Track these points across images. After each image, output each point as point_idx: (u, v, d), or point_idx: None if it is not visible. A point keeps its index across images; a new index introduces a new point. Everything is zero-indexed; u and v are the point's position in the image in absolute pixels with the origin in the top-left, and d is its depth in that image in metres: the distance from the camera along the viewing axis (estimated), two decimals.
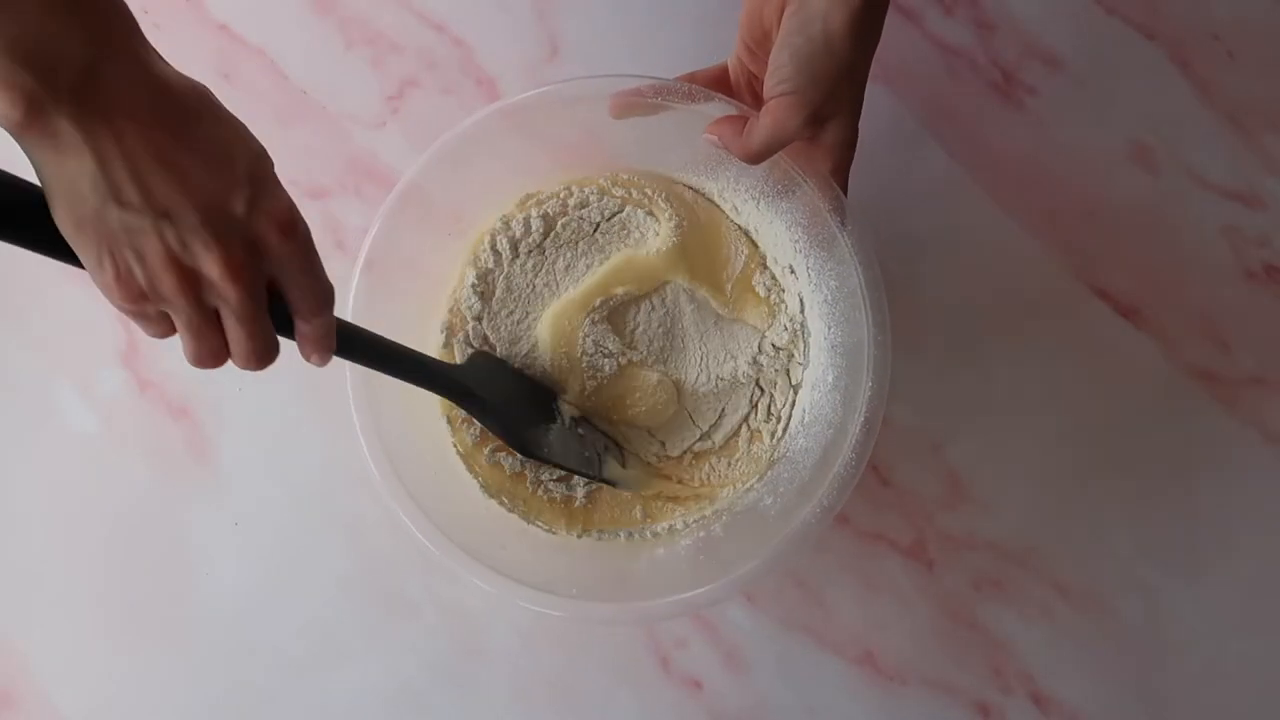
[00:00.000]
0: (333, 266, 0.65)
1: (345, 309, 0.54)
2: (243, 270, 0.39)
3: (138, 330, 0.65)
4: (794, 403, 0.61)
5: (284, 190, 0.41)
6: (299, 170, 0.66)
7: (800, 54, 0.47)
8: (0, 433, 0.64)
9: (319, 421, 0.64)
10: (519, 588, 0.52)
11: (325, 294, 0.44)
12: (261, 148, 0.40)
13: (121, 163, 0.35)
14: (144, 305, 0.40)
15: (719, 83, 0.55)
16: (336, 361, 0.54)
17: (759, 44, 0.51)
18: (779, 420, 0.61)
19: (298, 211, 0.41)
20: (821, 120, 0.49)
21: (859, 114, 0.50)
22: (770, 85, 0.48)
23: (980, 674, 0.62)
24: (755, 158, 0.51)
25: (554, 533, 0.59)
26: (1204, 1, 0.67)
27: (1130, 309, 0.65)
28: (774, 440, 0.61)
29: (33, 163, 0.35)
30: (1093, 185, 0.66)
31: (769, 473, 0.59)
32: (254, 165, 0.39)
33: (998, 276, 0.65)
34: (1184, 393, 0.64)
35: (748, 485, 0.60)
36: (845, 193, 0.53)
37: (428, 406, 0.60)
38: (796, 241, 0.59)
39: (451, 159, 0.55)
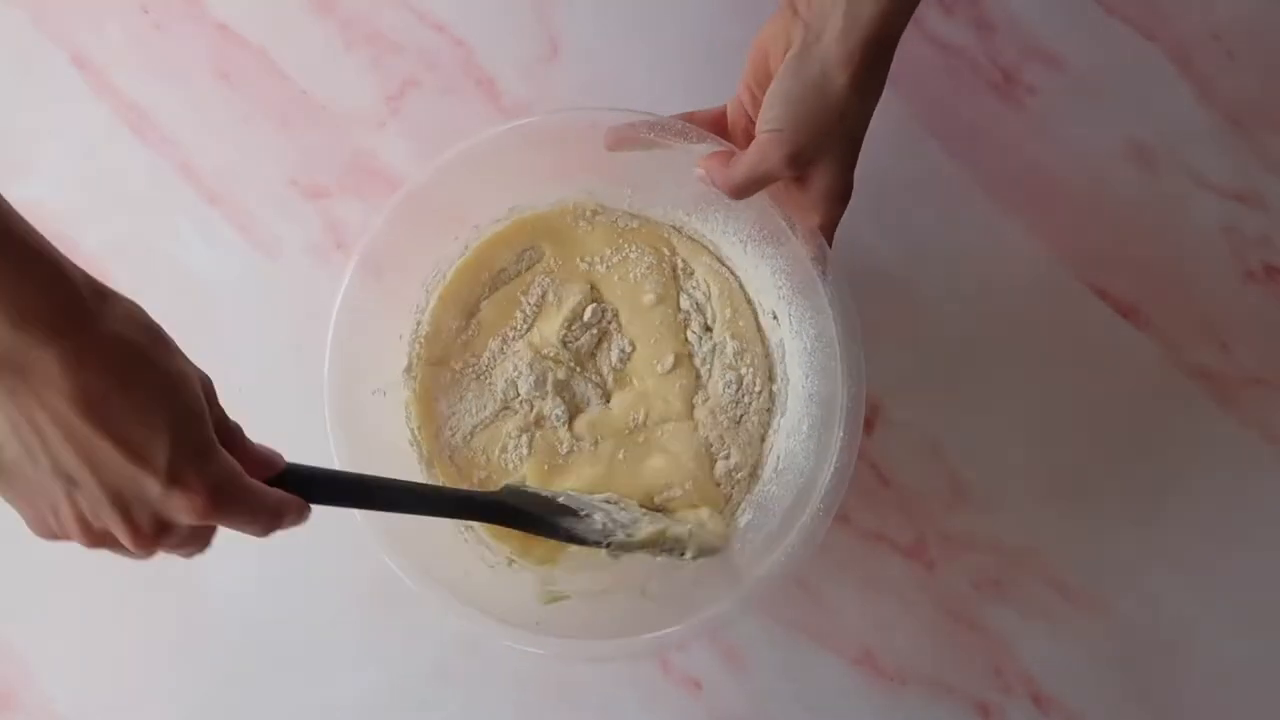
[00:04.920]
0: (332, 267, 0.66)
1: (333, 307, 0.54)
2: (154, 542, 0.40)
3: None
4: (769, 450, 0.61)
5: (215, 461, 0.39)
6: (299, 170, 0.66)
7: (791, 95, 0.47)
8: None
9: (319, 422, 0.64)
10: (491, 623, 0.52)
11: (265, 521, 0.44)
12: (194, 415, 0.39)
13: (33, 431, 0.35)
14: (62, 539, 0.41)
15: (716, 124, 0.55)
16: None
17: (761, 86, 0.51)
18: (751, 468, 0.60)
19: (227, 478, 0.40)
20: (806, 162, 0.49)
21: (852, 166, 0.50)
22: (760, 122, 0.49)
23: (980, 674, 0.62)
24: (737, 191, 0.51)
25: (513, 561, 0.59)
26: (1204, 1, 0.67)
27: (1130, 309, 0.65)
28: (746, 487, 0.60)
29: None
30: (1093, 185, 0.66)
31: (741, 519, 0.59)
32: (175, 448, 0.37)
33: (997, 276, 0.65)
34: (1184, 393, 0.64)
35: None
36: (830, 244, 0.53)
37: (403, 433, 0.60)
38: (780, 288, 0.59)
39: (454, 170, 0.55)
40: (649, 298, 0.61)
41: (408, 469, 0.59)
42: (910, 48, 0.66)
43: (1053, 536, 0.63)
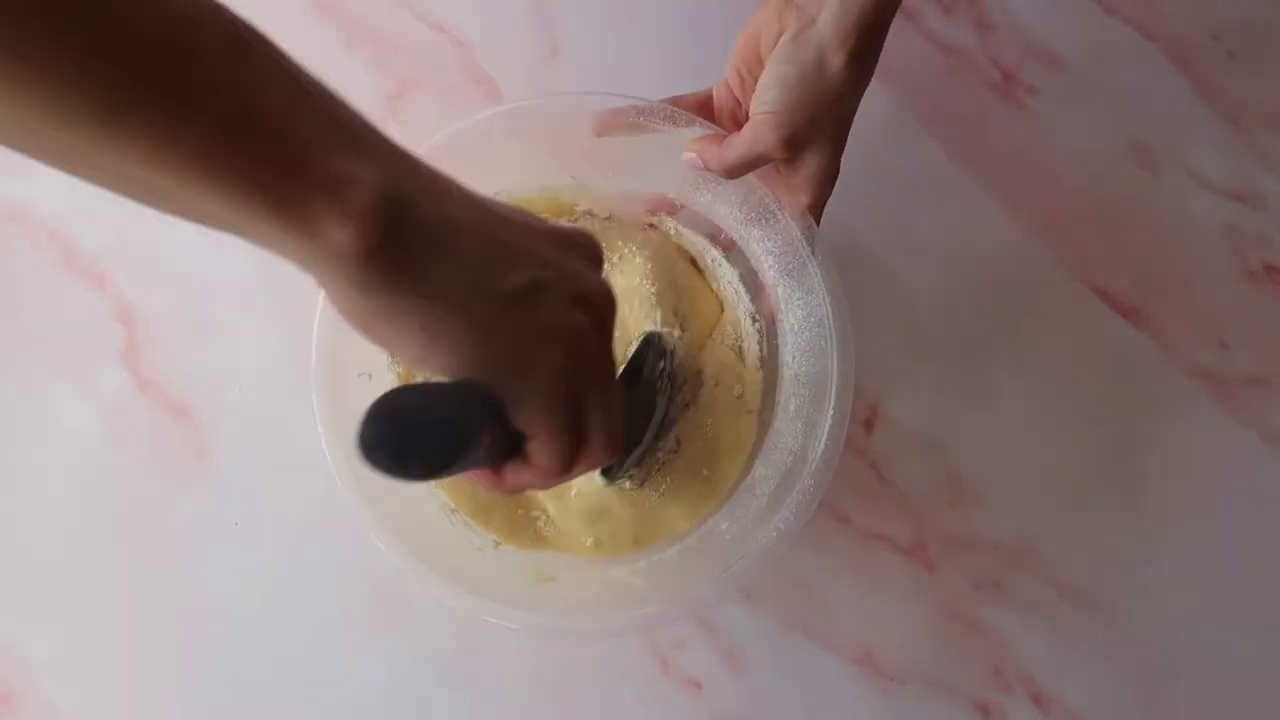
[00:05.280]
0: None
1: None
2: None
3: (138, 330, 0.65)
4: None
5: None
6: None
7: (788, 78, 0.47)
8: (0, 433, 0.64)
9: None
10: (479, 601, 0.52)
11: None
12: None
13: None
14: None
15: (703, 108, 0.56)
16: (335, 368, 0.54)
17: (751, 71, 0.51)
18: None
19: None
20: (799, 144, 0.49)
21: (841, 149, 0.51)
22: (755, 105, 0.49)
23: (980, 674, 0.61)
24: (730, 172, 0.52)
25: (499, 544, 0.59)
26: (1204, 1, 0.67)
27: (1130, 309, 0.65)
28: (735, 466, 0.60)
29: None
30: (1093, 185, 0.66)
31: (727, 501, 0.59)
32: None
33: (997, 276, 0.65)
34: (1184, 393, 0.64)
35: (704, 515, 0.59)
36: (818, 224, 0.54)
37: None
38: (767, 270, 0.59)
39: (440, 155, 0.54)
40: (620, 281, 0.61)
41: None
42: (910, 47, 0.67)
43: (1053, 536, 0.63)
